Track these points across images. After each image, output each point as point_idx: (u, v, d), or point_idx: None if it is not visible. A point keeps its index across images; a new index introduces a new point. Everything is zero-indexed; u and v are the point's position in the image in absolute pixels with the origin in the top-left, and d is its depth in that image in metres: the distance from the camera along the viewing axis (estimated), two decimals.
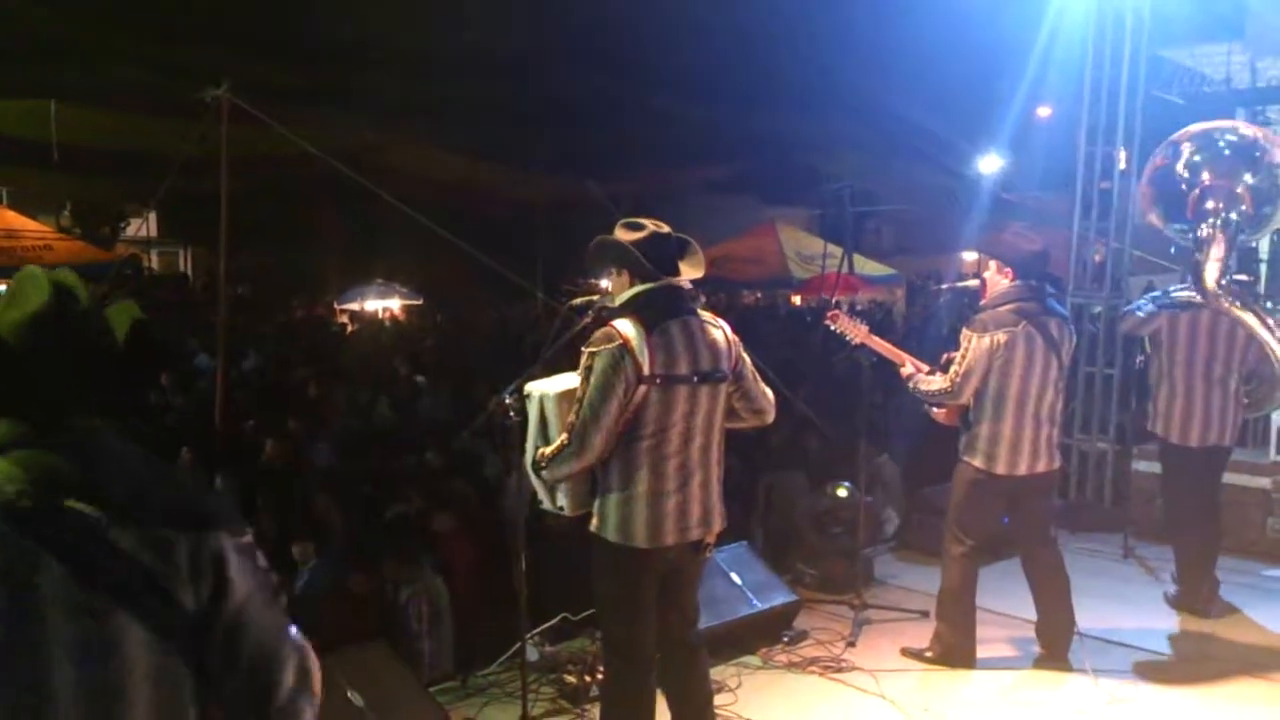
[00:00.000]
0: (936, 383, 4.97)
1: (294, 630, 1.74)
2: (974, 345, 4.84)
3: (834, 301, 17.77)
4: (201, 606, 1.60)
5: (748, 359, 3.70)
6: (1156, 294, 6.17)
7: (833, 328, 5.27)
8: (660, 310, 3.46)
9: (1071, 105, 8.82)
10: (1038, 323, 4.85)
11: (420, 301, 23.01)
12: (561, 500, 3.65)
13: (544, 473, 3.56)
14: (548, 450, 3.52)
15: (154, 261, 26.53)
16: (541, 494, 3.72)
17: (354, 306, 22.25)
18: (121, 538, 1.55)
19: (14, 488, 1.54)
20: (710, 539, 3.66)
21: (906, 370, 5.13)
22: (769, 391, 3.79)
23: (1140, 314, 5.91)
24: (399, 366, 12.48)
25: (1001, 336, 4.80)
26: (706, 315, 3.61)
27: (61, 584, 1.52)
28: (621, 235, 3.55)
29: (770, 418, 3.83)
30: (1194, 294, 5.55)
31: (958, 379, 4.87)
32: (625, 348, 3.37)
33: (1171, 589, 6.05)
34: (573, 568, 5.51)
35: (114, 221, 23.99)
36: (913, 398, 5.22)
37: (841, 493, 6.33)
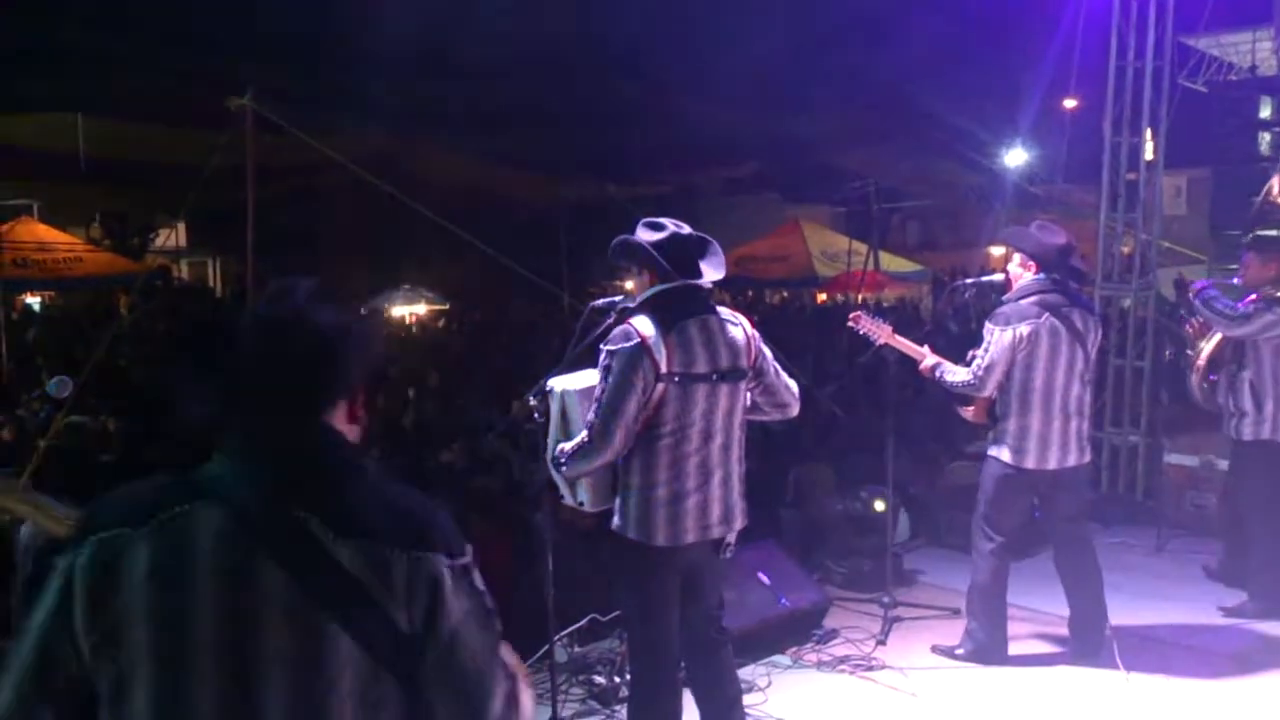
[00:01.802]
0: (960, 374, 4.95)
1: (507, 656, 1.69)
2: (996, 338, 4.82)
3: (858, 299, 17.73)
4: (415, 627, 1.56)
5: (768, 353, 3.70)
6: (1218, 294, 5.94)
7: (857, 330, 5.25)
8: (678, 309, 3.47)
9: (1097, 96, 8.75)
10: (1061, 315, 4.82)
11: (446, 306, 23.11)
12: (582, 495, 3.66)
13: (563, 469, 3.58)
14: (567, 446, 3.54)
15: (184, 272, 26.76)
16: (563, 489, 3.73)
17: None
18: (341, 552, 1.53)
19: (243, 492, 1.55)
20: (731, 538, 3.66)
21: (929, 361, 5.10)
22: (793, 384, 3.78)
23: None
24: (426, 370, 12.53)
25: (1024, 329, 4.78)
26: (725, 312, 3.61)
27: (280, 591, 1.51)
28: (642, 236, 3.55)
29: (795, 411, 3.83)
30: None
31: (980, 371, 4.85)
32: (643, 345, 3.38)
33: (1231, 602, 5.79)
34: (600, 568, 5.54)
35: (143, 233, 24.22)
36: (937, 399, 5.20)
37: (879, 506, 6.30)
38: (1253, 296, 5.67)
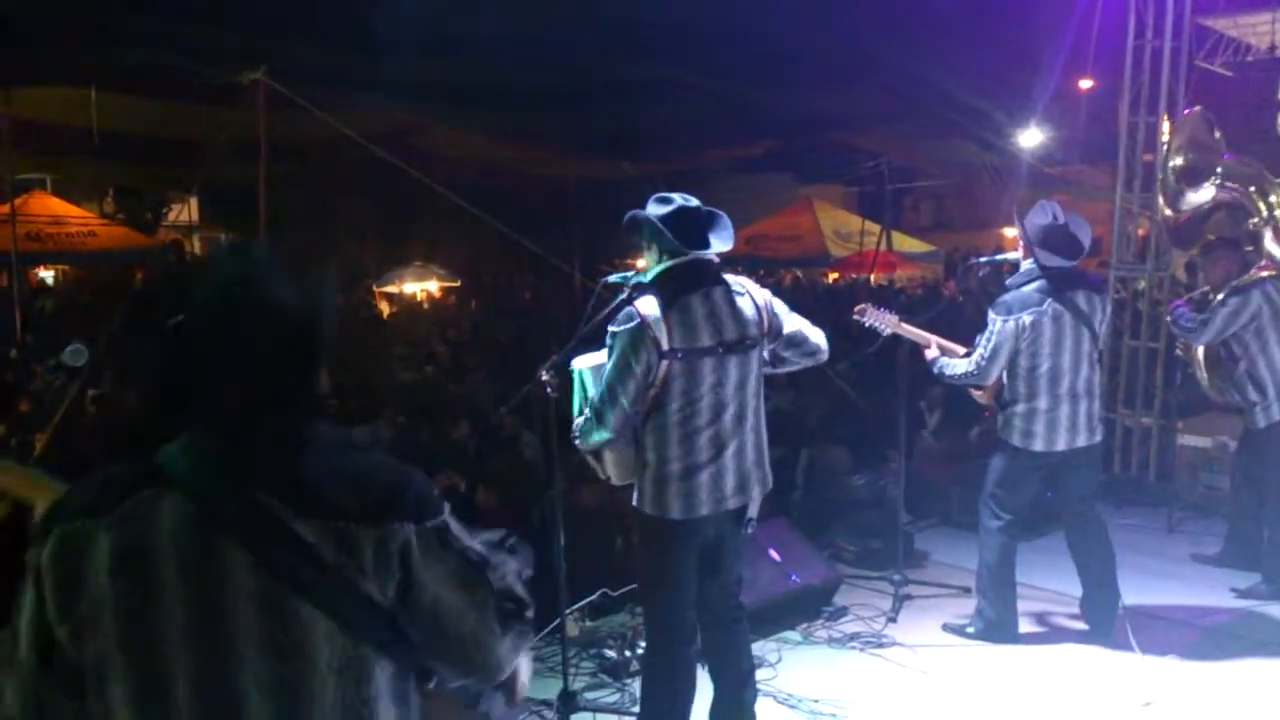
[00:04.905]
0: (961, 365, 4.95)
1: (509, 602, 1.66)
2: (999, 328, 4.80)
3: (866, 278, 17.67)
4: (391, 599, 1.54)
5: (783, 309, 3.70)
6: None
7: (864, 322, 5.21)
8: (681, 285, 3.49)
9: (1114, 76, 8.68)
10: (1064, 298, 4.79)
11: (458, 283, 23.11)
12: (609, 470, 3.70)
13: (578, 443, 3.64)
14: (577, 423, 3.62)
15: (196, 246, 26.78)
16: (592, 463, 3.77)
17: (393, 289, 22.39)
18: (306, 530, 1.50)
19: (202, 476, 1.51)
20: (753, 509, 3.68)
21: (931, 353, 5.10)
22: (818, 332, 3.81)
23: (1229, 307, 5.71)
24: (437, 347, 12.55)
25: (1026, 318, 4.76)
26: (734, 283, 3.61)
27: (247, 574, 1.49)
28: (651, 210, 3.57)
29: (825, 355, 3.85)
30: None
31: (982, 361, 4.85)
32: (642, 324, 3.41)
33: (1244, 583, 5.77)
34: (611, 544, 5.56)
35: (156, 207, 24.23)
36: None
37: (889, 484, 6.31)
38: (1219, 296, 5.81)
